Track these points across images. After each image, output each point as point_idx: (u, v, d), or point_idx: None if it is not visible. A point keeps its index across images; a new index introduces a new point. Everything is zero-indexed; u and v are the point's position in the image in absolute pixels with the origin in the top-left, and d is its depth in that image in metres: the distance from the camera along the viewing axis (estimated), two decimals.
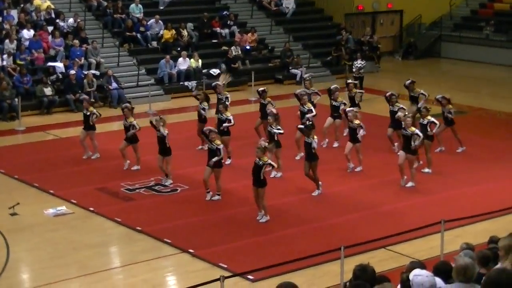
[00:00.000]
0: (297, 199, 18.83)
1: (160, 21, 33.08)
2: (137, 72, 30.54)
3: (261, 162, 16.92)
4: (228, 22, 35.30)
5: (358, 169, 20.80)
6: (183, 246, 16.01)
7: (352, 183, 20.10)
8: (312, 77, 26.15)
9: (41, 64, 29.08)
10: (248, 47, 34.28)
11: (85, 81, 28.50)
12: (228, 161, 21.05)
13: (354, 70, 30.72)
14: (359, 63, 30.83)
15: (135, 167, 20.81)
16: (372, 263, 8.31)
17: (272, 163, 17.44)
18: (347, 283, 8.37)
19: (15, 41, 29.04)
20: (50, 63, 29.19)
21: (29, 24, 30.19)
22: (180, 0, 36.47)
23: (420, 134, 19.53)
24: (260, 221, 17.21)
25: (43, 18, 31.36)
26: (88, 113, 21.78)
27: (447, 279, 8.12)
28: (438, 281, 8.05)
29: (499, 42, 38.42)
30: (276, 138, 19.90)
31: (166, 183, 19.63)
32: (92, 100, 24.11)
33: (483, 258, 8.55)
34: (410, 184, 19.68)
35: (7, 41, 28.83)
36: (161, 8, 35.16)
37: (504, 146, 23.76)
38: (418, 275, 7.75)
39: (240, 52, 33.42)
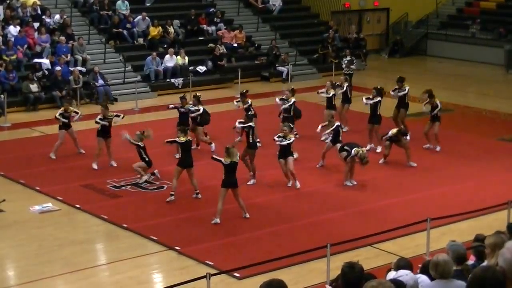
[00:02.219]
0: (282, 197, 18.84)
1: (147, 18, 33.00)
2: (123, 69, 30.48)
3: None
4: (215, 19, 35.26)
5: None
6: (169, 243, 16.00)
7: (338, 181, 20.11)
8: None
9: (20, 58, 28.87)
10: (235, 45, 34.24)
11: (71, 77, 28.42)
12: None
13: (344, 66, 30.71)
14: (348, 59, 30.79)
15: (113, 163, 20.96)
16: (352, 260, 8.35)
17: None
18: (333, 282, 8.40)
19: (0, 37, 28.92)
20: (36, 60, 29.09)
21: (15, 20, 30.07)
22: None
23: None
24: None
25: (29, 14, 31.25)
26: (67, 114, 21.70)
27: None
28: (424, 278, 8.11)
29: (485, 40, 38.55)
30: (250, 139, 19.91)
31: (140, 181, 19.62)
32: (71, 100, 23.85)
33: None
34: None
35: None
36: (148, 5, 35.08)
37: (489, 144, 23.85)
38: (399, 276, 7.81)
39: (224, 49, 33.30)
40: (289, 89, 23.58)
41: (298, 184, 19.23)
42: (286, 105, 22.57)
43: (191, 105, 21.91)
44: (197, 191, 18.49)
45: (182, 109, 21.80)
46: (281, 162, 19.21)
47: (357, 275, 7.13)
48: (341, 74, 29.13)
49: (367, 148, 21.15)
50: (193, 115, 21.74)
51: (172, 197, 18.27)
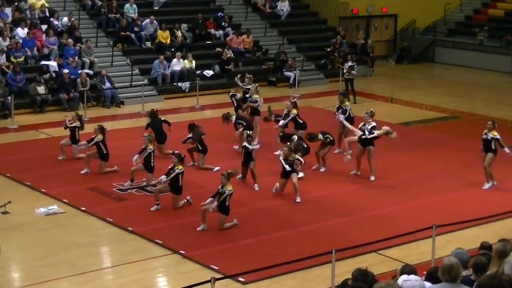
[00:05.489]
0: (288, 202, 18.79)
1: (154, 21, 33.03)
2: (130, 72, 30.51)
3: (225, 192, 16.77)
4: (223, 24, 35.29)
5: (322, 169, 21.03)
6: (174, 247, 15.98)
7: (344, 187, 20.10)
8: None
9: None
10: (242, 49, 34.24)
11: (78, 80, 28.46)
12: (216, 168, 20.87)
13: (344, 71, 30.73)
14: (350, 64, 30.72)
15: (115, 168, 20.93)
16: (362, 267, 8.33)
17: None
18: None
19: (8, 39, 29.00)
20: (43, 62, 29.14)
21: (23, 22, 30.12)
22: (174, 1, 36.47)
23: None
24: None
25: (37, 16, 31.33)
26: (73, 125, 21.72)
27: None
28: (428, 285, 8.08)
29: (493, 48, 38.52)
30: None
31: (125, 184, 19.61)
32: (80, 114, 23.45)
33: (477, 265, 8.56)
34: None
35: (0, 38, 28.79)
36: (156, 8, 35.14)
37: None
38: (407, 280, 7.77)
39: (231, 53, 33.28)
40: (291, 100, 23.05)
41: (299, 198, 18.85)
42: (288, 119, 22.08)
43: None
44: (187, 199, 18.48)
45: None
46: (282, 181, 19.12)
47: (369, 283, 7.13)
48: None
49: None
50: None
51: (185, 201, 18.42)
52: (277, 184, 19.18)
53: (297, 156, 18.96)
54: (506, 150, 19.85)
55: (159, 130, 21.92)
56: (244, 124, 22.37)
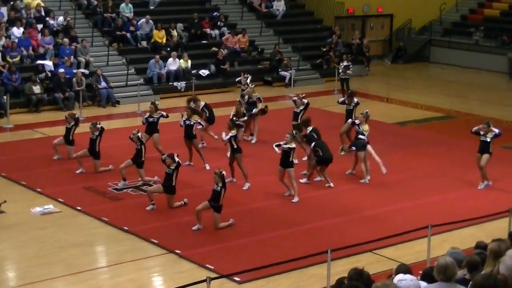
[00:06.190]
0: (284, 202, 18.81)
1: (150, 21, 33.01)
2: (126, 71, 30.49)
3: (219, 188, 16.75)
4: (218, 23, 35.27)
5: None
6: (169, 247, 15.99)
7: (340, 186, 20.10)
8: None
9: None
10: (238, 49, 34.23)
11: (74, 79, 28.43)
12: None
13: (340, 71, 30.73)
14: (345, 63, 30.71)
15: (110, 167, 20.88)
16: (358, 267, 8.33)
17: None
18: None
19: (3, 38, 28.96)
20: (39, 61, 29.11)
21: (19, 22, 30.09)
22: (170, 0, 36.45)
23: None
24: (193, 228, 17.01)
25: (33, 15, 31.29)
26: (70, 126, 21.68)
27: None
28: (423, 284, 8.08)
29: (488, 48, 38.53)
30: (234, 144, 19.64)
31: (119, 185, 19.59)
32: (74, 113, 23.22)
33: (470, 264, 8.57)
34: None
35: None
36: (151, 8, 35.11)
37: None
38: (402, 279, 7.77)
39: (226, 52, 33.27)
40: (299, 96, 23.09)
41: (296, 198, 18.83)
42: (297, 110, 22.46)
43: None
44: (184, 201, 18.43)
45: (151, 119, 21.70)
46: (279, 169, 19.07)
47: (364, 282, 7.12)
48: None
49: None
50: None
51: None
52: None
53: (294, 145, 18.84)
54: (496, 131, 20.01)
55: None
56: (207, 114, 22.83)
